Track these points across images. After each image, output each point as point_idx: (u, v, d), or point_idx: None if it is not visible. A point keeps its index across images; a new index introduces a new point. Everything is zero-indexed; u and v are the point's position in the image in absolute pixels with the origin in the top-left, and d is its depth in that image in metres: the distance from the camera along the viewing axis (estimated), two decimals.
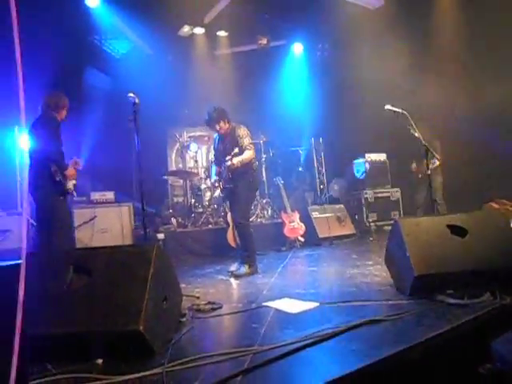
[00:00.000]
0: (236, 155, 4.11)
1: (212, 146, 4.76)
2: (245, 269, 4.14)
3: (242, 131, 4.25)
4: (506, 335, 1.87)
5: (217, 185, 4.54)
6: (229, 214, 5.81)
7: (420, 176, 6.53)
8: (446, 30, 6.94)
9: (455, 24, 6.80)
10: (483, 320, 2.12)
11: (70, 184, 3.83)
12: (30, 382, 1.62)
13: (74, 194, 3.92)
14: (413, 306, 2.43)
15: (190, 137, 7.58)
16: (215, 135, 4.56)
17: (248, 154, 4.16)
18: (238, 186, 4.22)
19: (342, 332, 2.06)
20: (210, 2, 7.37)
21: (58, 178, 3.70)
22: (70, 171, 3.83)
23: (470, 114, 6.37)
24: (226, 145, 4.28)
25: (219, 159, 4.39)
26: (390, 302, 2.58)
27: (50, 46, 6.17)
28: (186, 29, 7.98)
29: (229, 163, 4.09)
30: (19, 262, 1.28)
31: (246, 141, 4.19)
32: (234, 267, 4.29)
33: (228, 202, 4.79)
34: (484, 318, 2.13)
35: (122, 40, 7.83)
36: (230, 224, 5.72)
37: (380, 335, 2.05)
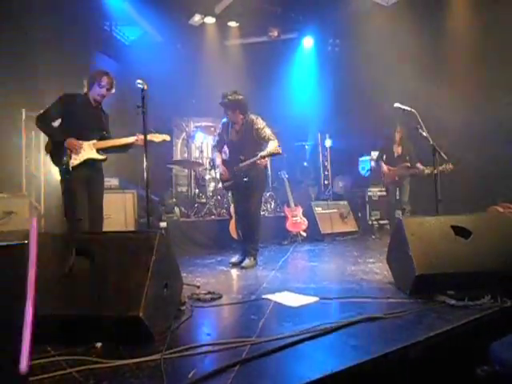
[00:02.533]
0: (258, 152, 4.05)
1: (218, 132, 4.50)
2: (250, 261, 4.16)
3: (260, 123, 4.14)
4: (506, 338, 1.87)
5: (224, 174, 4.26)
6: (232, 206, 5.82)
7: (396, 179, 6.40)
8: (460, 31, 6.85)
9: (469, 25, 6.71)
10: (483, 322, 2.12)
11: (71, 158, 3.58)
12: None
13: (69, 168, 3.58)
14: (413, 305, 2.42)
15: (196, 127, 7.57)
16: (224, 120, 4.36)
17: (274, 144, 4.01)
18: (255, 176, 4.13)
19: (340, 327, 2.06)
20: None
21: (52, 157, 3.63)
22: (69, 143, 3.59)
23: (474, 117, 6.30)
24: (243, 135, 4.15)
25: (234, 149, 4.23)
26: (391, 300, 2.58)
27: (60, 31, 6.15)
28: (196, 18, 7.92)
29: (259, 162, 3.95)
30: (22, 242, 1.29)
31: (268, 131, 4.10)
32: (235, 259, 4.30)
33: (233, 193, 4.60)
34: (484, 320, 2.13)
35: (132, 26, 7.79)
36: (233, 216, 5.74)
37: (379, 332, 2.05)
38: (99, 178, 3.90)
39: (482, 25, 6.48)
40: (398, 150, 6.46)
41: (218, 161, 4.38)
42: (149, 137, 3.75)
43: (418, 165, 6.04)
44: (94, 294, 2.01)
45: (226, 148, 4.45)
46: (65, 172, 3.61)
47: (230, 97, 4.06)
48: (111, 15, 7.25)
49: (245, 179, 4.12)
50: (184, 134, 7.79)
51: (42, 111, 3.67)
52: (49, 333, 1.91)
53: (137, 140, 3.78)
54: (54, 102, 3.67)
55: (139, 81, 3.44)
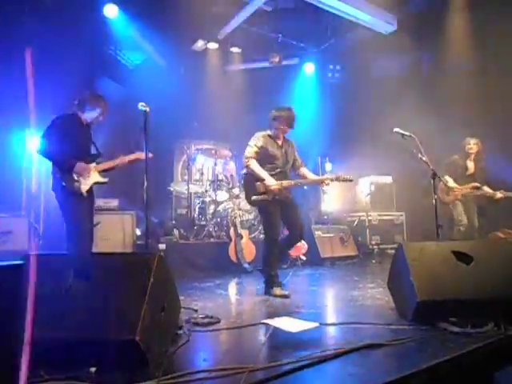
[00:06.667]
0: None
1: (259, 144, 4.02)
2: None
3: None
4: (510, 367, 1.82)
5: (278, 191, 3.90)
6: (232, 229, 5.80)
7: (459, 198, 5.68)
8: (458, 58, 6.99)
9: (467, 52, 6.84)
10: (487, 350, 2.07)
11: (81, 183, 3.60)
12: None
13: (84, 194, 3.63)
14: (415, 332, 2.38)
15: (197, 149, 7.61)
16: (263, 132, 4.12)
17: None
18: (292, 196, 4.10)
19: (341, 354, 2.02)
20: (225, 18, 7.50)
21: (62, 183, 3.57)
22: (80, 168, 3.61)
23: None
24: (286, 151, 4.07)
25: (276, 164, 3.99)
26: (392, 327, 2.53)
27: (65, 55, 6.27)
28: (200, 43, 8.10)
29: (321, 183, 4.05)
30: (19, 262, 1.28)
31: None
32: (283, 291, 3.83)
33: (279, 213, 4.03)
34: (487, 348, 2.08)
35: (136, 51, 7.95)
36: (233, 238, 5.71)
37: (380, 360, 2.00)
38: (94, 200, 3.91)
39: (479, 53, 6.61)
40: (470, 166, 5.74)
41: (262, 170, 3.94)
42: (133, 156, 3.91)
43: (486, 187, 5.60)
44: (90, 316, 1.97)
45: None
46: (77, 196, 3.58)
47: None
48: (116, 40, 7.40)
49: (289, 195, 4.03)
50: (185, 157, 7.83)
51: (42, 139, 3.57)
52: (42, 356, 1.87)
53: (122, 158, 3.90)
54: (50, 126, 3.59)
55: (142, 104, 3.49)
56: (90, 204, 3.78)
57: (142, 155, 3.79)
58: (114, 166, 3.93)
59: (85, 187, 3.64)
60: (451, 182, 5.63)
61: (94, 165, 3.77)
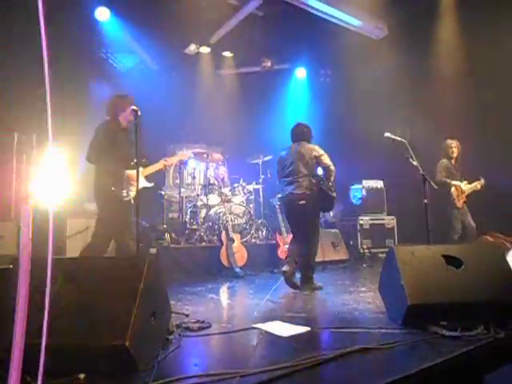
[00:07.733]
0: None
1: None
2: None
3: None
4: (500, 370, 1.84)
5: None
6: (223, 233, 5.79)
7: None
8: (448, 65, 7.07)
9: (457, 57, 6.93)
10: (476, 354, 2.08)
11: (128, 190, 3.70)
12: None
13: (130, 199, 3.74)
14: (405, 335, 2.38)
15: None
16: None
17: None
18: None
19: (332, 359, 2.01)
20: (218, 22, 7.53)
21: (112, 187, 3.64)
22: (130, 176, 3.70)
23: (464, 146, 6.41)
24: None
25: None
26: (383, 331, 2.53)
27: (56, 57, 6.22)
28: (192, 47, 8.11)
29: None
30: (7, 266, 1.26)
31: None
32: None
33: None
34: (477, 351, 2.09)
35: (128, 54, 7.93)
36: (225, 242, 5.70)
37: (371, 364, 2.00)
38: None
39: (470, 55, 6.70)
40: (456, 167, 5.87)
41: None
42: (179, 156, 4.42)
43: (469, 184, 5.78)
44: (79, 321, 1.95)
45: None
46: (123, 203, 3.68)
47: None
48: (107, 43, 7.39)
49: None
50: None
51: (91, 149, 3.64)
52: (29, 362, 1.84)
53: (166, 161, 4.11)
54: (97, 136, 3.66)
55: (133, 107, 3.48)
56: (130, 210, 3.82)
57: (184, 155, 4.36)
58: (159, 169, 4.05)
59: (132, 194, 3.71)
60: (463, 186, 5.73)
61: (141, 169, 3.78)
